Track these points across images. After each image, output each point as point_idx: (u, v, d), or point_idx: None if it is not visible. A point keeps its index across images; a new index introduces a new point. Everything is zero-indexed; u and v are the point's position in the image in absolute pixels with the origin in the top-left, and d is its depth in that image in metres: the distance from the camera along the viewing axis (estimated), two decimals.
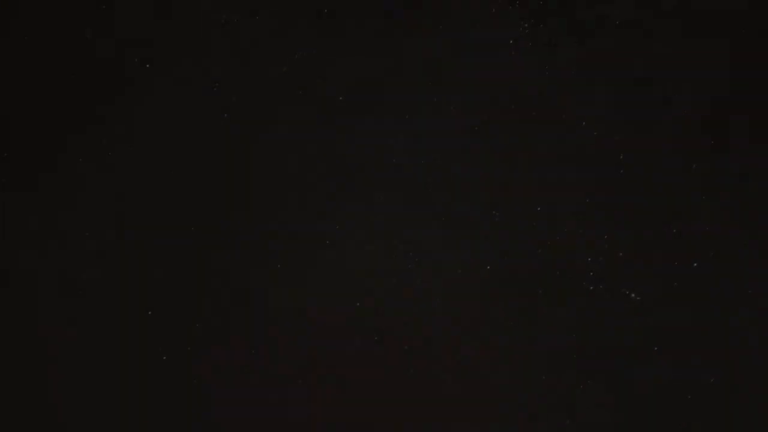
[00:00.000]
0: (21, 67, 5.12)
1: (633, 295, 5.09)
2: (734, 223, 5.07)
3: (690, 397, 4.94)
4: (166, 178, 5.17)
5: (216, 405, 5.00)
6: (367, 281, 5.15)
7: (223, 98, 5.21)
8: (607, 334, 5.05)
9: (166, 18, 5.19)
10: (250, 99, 5.21)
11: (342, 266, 5.14)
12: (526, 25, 5.24)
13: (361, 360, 5.06)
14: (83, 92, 5.14)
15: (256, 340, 5.07)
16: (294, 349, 5.08)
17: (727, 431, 4.89)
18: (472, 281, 5.14)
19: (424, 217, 5.19)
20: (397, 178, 5.20)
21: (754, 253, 5.04)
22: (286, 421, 5.00)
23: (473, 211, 5.19)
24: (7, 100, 5.09)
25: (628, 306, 5.08)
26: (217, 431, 4.98)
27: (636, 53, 5.21)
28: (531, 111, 5.24)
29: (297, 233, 5.18)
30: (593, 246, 5.13)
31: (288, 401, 5.02)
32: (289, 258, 5.17)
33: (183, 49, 5.22)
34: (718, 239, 5.07)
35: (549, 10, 5.23)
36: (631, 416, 4.96)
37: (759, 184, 5.05)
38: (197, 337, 5.05)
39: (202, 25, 5.21)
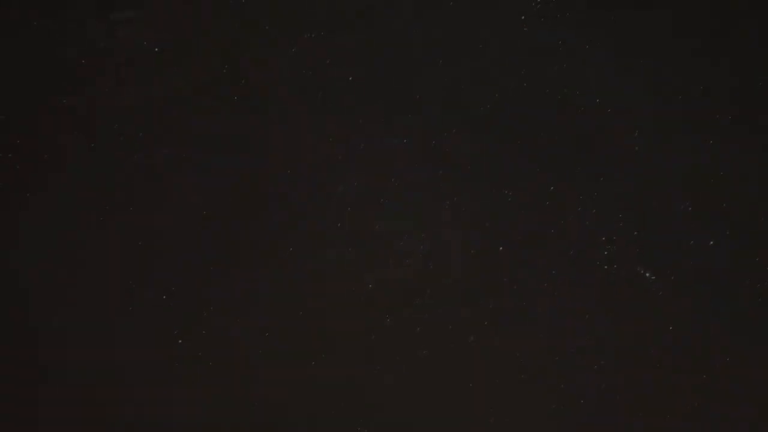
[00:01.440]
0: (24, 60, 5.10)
1: (648, 274, 5.06)
2: (750, 200, 5.02)
3: (705, 376, 4.93)
4: (176, 160, 5.14)
5: (227, 387, 5.03)
6: (379, 262, 5.13)
7: (232, 81, 5.16)
8: (623, 314, 5.03)
9: (172, 3, 5.14)
10: (258, 81, 5.16)
11: (353, 248, 5.13)
12: (539, 0, 5.16)
13: (373, 340, 5.06)
14: (84, 77, 5.11)
15: (268, 322, 5.08)
16: (304, 331, 5.08)
17: (741, 411, 4.88)
18: (484, 261, 5.12)
19: (436, 197, 5.16)
20: (409, 159, 5.17)
21: None
22: (293, 406, 5.01)
23: (485, 192, 5.15)
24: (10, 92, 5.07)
25: (643, 285, 5.05)
26: (231, 411, 5.01)
27: (651, 31, 5.12)
28: (544, 89, 5.17)
29: (308, 214, 5.16)
30: (607, 225, 5.09)
31: (298, 384, 5.03)
32: (301, 238, 5.15)
33: (191, 32, 5.17)
34: (733, 217, 5.02)
35: None
36: (646, 397, 4.96)
37: None
38: (210, 320, 5.06)
39: (210, 9, 5.15)
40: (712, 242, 5.03)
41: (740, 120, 5.05)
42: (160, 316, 5.03)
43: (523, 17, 5.20)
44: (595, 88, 5.13)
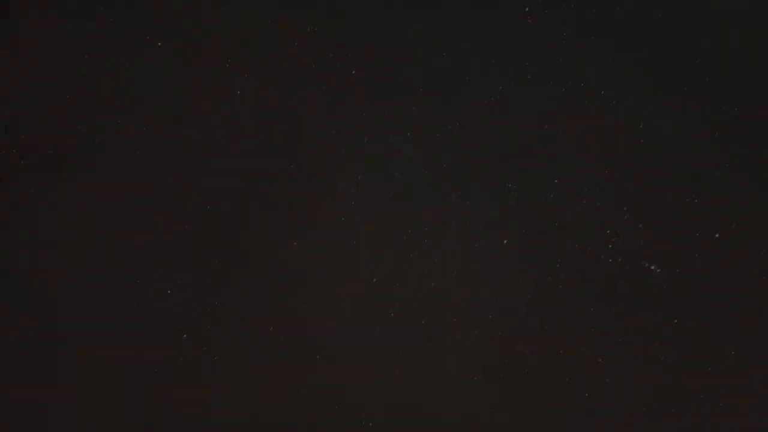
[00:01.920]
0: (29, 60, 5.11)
1: (653, 267, 5.04)
2: (756, 193, 4.99)
3: (710, 369, 4.91)
4: (180, 154, 5.15)
5: (232, 383, 5.04)
6: (383, 255, 5.13)
7: (235, 75, 5.16)
8: (627, 308, 5.01)
9: None
10: (262, 74, 5.16)
11: (357, 242, 5.12)
12: None
13: (377, 333, 5.06)
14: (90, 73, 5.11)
15: (272, 316, 5.08)
16: (309, 325, 5.08)
17: (746, 405, 4.86)
18: (488, 254, 5.11)
19: (439, 190, 5.15)
20: (412, 152, 5.16)
21: None
22: (298, 399, 5.02)
23: (489, 184, 5.14)
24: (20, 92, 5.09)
25: (647, 279, 5.03)
26: (234, 408, 5.02)
27: (655, 19, 5.08)
28: (548, 80, 5.15)
29: (311, 207, 5.16)
30: (612, 218, 5.07)
31: (302, 377, 5.03)
32: (305, 232, 5.15)
33: (194, 27, 5.16)
34: (739, 210, 4.99)
35: None
36: (649, 391, 4.94)
37: None
38: (216, 316, 5.08)
39: (214, 2, 5.15)
40: (717, 235, 5.00)
41: (745, 113, 5.01)
42: (164, 312, 5.05)
43: (527, 8, 5.17)
44: (599, 80, 5.10)
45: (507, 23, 5.17)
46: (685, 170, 5.05)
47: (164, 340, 5.03)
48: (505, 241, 5.10)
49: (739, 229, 4.98)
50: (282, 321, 5.12)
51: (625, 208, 5.07)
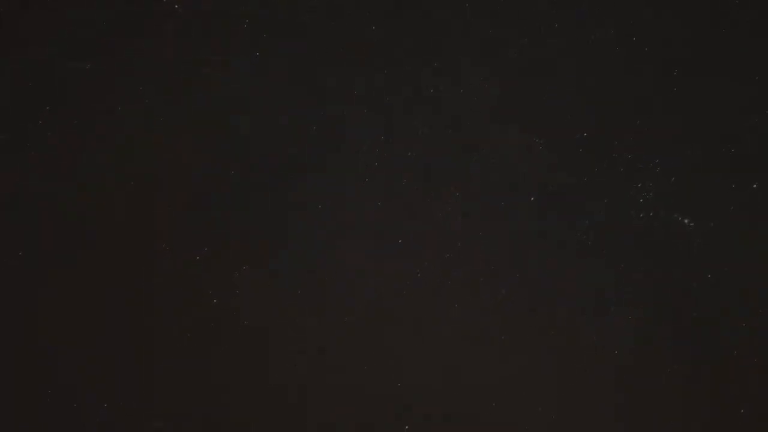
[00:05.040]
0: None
1: (687, 221, 4.89)
2: None
3: (745, 324, 4.79)
4: (198, 121, 5.14)
5: (260, 347, 5.09)
6: (409, 216, 5.08)
7: (254, 38, 5.08)
8: (660, 263, 4.90)
9: None
10: (280, 38, 5.07)
11: (381, 203, 5.06)
12: None
13: (404, 294, 5.04)
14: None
15: (297, 277, 5.09)
16: (335, 284, 5.07)
17: None
18: (515, 211, 5.02)
19: (463, 148, 5.05)
20: (435, 108, 5.05)
21: None
22: (323, 359, 5.05)
23: (515, 139, 5.01)
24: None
25: (681, 232, 4.89)
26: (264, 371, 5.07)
27: None
28: (574, 30, 4.96)
29: (333, 169, 5.11)
30: (643, 171, 4.92)
31: (328, 337, 5.05)
32: (328, 193, 5.12)
33: None
34: None
35: None
36: (684, 344, 4.86)
37: None
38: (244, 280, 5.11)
39: None
40: (755, 185, 4.82)
41: None
42: (192, 278, 5.10)
43: None
44: (627, 29, 4.90)
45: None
46: (720, 118, 4.85)
47: (192, 305, 5.09)
48: (532, 198, 4.99)
49: None
50: (307, 283, 5.09)
51: (657, 161, 4.91)
